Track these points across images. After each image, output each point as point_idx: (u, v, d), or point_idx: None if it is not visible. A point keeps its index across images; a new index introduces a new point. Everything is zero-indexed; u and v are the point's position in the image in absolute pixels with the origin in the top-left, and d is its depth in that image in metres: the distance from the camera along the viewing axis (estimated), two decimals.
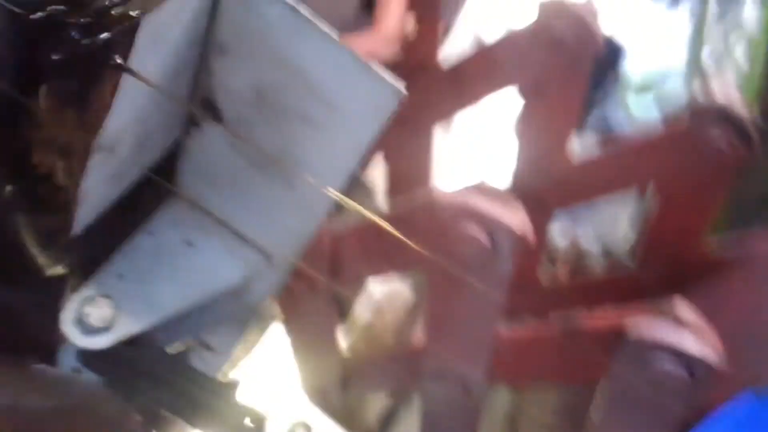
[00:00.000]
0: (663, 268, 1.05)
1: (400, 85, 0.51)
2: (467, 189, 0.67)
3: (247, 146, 0.60)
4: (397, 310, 1.25)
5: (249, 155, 0.61)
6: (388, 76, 0.51)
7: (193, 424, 0.62)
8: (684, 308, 0.68)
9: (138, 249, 0.65)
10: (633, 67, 2.18)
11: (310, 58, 0.51)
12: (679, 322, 0.67)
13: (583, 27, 0.85)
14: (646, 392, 0.69)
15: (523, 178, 1.06)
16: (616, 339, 0.69)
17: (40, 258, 0.63)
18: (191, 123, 0.62)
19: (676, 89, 1.91)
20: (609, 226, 1.69)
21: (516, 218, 0.65)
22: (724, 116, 0.86)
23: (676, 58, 1.93)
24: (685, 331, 0.67)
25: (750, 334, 0.83)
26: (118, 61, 0.42)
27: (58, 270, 0.66)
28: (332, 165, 0.58)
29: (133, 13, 0.43)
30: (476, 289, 0.71)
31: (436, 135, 1.08)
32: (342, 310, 1.06)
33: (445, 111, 1.03)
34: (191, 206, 0.68)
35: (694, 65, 1.75)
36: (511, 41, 0.90)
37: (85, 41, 0.41)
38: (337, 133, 0.56)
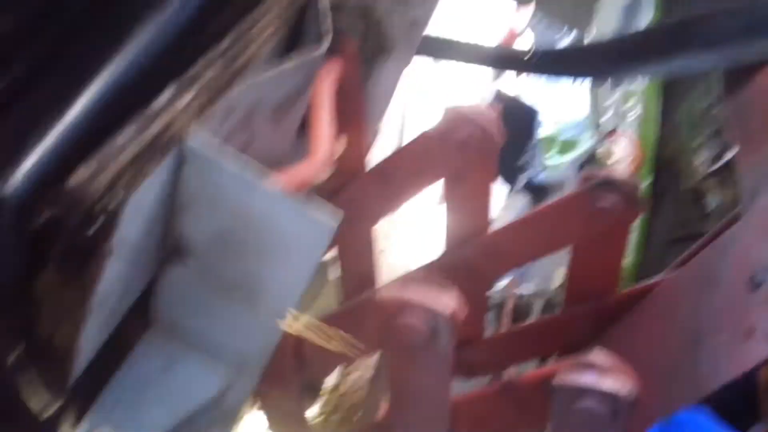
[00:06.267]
0: (585, 311, 1.19)
1: (335, 218, 0.63)
2: (404, 280, 0.79)
3: (212, 278, 0.71)
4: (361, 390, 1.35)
5: (214, 286, 0.72)
6: (324, 212, 0.63)
7: None
8: (600, 354, 0.81)
9: (123, 382, 0.75)
10: (548, 130, 2.39)
11: (257, 206, 0.63)
12: (596, 366, 0.80)
13: (482, 131, 1.00)
14: (579, 429, 0.80)
15: (455, 251, 1.20)
16: (547, 388, 0.81)
17: (38, 404, 0.72)
18: (162, 265, 0.72)
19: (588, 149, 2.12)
20: (547, 279, 1.84)
21: (448, 302, 0.77)
22: (606, 181, 1.02)
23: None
24: (603, 374, 0.79)
25: (657, 358, 0.96)
26: (105, 245, 0.53)
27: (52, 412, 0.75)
28: (286, 287, 0.70)
29: (112, 206, 0.54)
30: (425, 367, 0.82)
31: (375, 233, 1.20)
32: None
33: (379, 212, 1.16)
34: (166, 336, 0.78)
35: (595, 130, 1.95)
36: (422, 145, 1.04)
37: (79, 236, 0.52)
38: (288, 260, 0.68)
